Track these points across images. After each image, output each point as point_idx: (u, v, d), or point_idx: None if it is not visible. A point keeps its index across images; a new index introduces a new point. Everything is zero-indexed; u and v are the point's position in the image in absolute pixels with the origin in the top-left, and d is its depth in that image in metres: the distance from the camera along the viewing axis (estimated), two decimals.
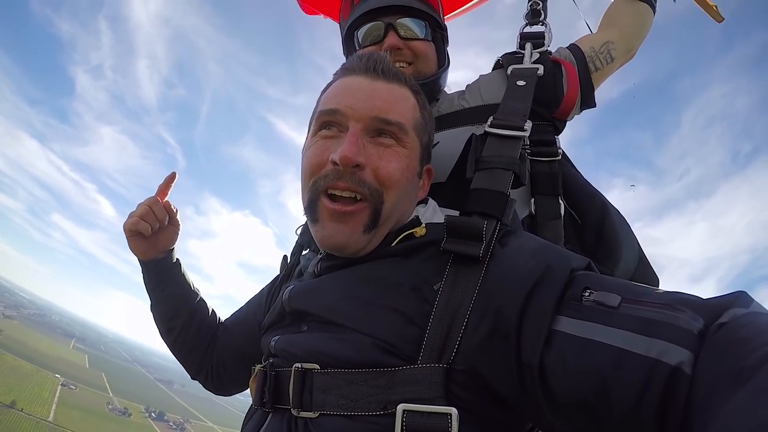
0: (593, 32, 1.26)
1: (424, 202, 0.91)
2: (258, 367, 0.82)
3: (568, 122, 1.12)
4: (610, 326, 0.55)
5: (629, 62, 1.27)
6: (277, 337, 0.81)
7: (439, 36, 1.19)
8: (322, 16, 2.00)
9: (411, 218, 0.85)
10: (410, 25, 1.12)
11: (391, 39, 1.10)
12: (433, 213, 0.88)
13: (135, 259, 1.17)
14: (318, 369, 0.71)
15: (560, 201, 1.00)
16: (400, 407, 0.62)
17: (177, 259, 1.20)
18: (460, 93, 1.17)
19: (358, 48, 1.17)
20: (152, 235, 1.11)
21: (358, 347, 0.69)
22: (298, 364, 0.72)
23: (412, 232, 0.80)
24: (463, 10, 2.01)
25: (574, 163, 1.14)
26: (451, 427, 0.59)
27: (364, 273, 0.78)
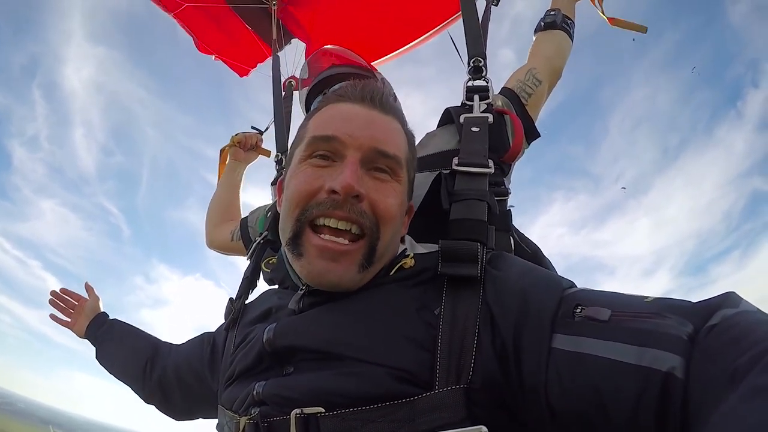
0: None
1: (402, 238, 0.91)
2: (244, 419, 0.72)
3: (518, 160, 1.19)
4: (601, 339, 0.55)
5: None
6: (263, 382, 0.73)
7: None
8: (214, 57, 2.03)
9: (400, 251, 0.84)
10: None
11: None
12: (412, 246, 0.87)
13: None
14: (323, 412, 0.64)
15: (510, 237, 1.03)
16: None
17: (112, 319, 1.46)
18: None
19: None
20: (77, 315, 1.47)
21: (371, 380, 0.64)
22: (297, 410, 0.65)
23: (402, 264, 0.78)
24: (394, 56, 2.07)
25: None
26: None
27: (362, 302, 0.74)
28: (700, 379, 0.47)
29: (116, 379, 1.35)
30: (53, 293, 1.54)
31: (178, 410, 1.23)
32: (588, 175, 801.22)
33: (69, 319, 1.50)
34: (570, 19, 1.42)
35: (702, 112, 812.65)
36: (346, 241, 0.73)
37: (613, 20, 1.56)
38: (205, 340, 1.11)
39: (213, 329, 1.15)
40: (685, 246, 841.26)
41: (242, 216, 1.61)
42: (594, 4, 1.56)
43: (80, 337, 1.46)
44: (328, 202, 0.72)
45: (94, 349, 1.41)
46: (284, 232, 0.79)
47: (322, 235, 0.73)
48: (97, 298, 1.52)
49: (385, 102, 0.82)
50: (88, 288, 1.54)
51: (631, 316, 0.56)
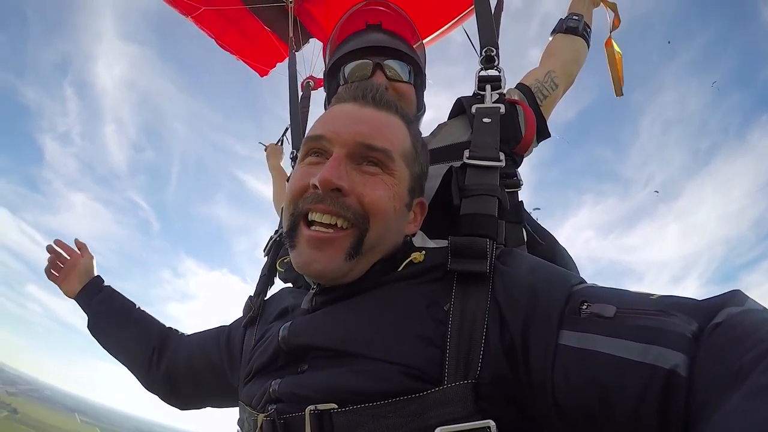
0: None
1: (412, 234, 0.91)
2: (261, 416, 0.74)
3: (526, 156, 1.19)
4: (606, 336, 0.56)
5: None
6: (279, 380, 0.75)
7: (419, 81, 1.29)
8: (236, 57, 2.05)
9: (404, 244, 0.85)
10: (396, 66, 1.21)
11: (378, 78, 1.18)
12: (423, 241, 0.88)
13: None
14: (336, 408, 0.66)
15: (522, 229, 1.04)
16: (438, 431, 0.60)
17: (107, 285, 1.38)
18: (427, 137, 1.22)
19: (342, 83, 1.24)
20: (68, 271, 1.38)
21: (382, 377, 0.66)
22: (311, 407, 0.67)
23: (411, 259, 0.79)
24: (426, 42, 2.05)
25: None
26: None
27: (373, 300, 0.76)
28: (703, 377, 0.47)
29: (110, 354, 1.30)
30: (49, 247, 1.43)
31: (186, 401, 1.22)
32: (617, 179, 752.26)
33: (57, 274, 1.40)
34: (590, 27, 1.42)
35: (734, 116, 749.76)
36: (332, 231, 0.75)
37: (610, 44, 1.54)
38: (220, 336, 1.11)
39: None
40: (714, 253, 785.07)
41: None
42: (606, 10, 1.55)
43: (69, 297, 1.37)
44: (311, 197, 0.75)
45: (86, 315, 1.33)
46: (284, 227, 0.82)
47: (312, 227, 0.75)
48: (92, 257, 1.42)
49: (379, 99, 0.83)
50: (80, 245, 1.43)
51: (636, 313, 0.57)
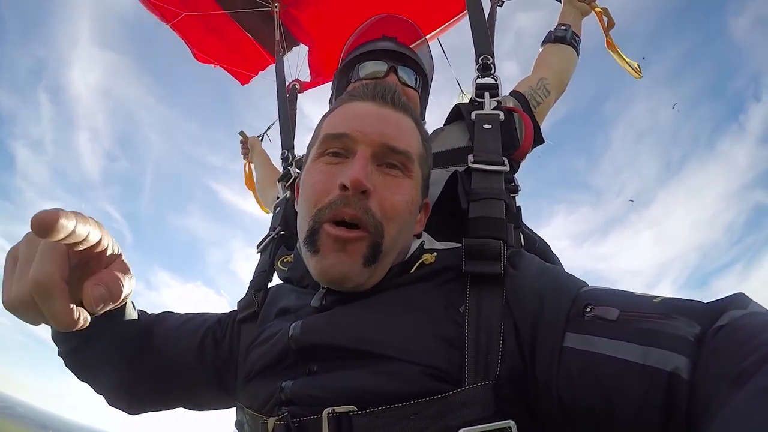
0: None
1: (418, 235, 0.90)
2: (272, 420, 0.71)
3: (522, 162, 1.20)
4: (609, 338, 0.57)
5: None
6: (290, 381, 0.72)
7: (424, 95, 1.37)
8: (214, 65, 2.01)
9: (416, 247, 0.84)
10: (407, 73, 1.28)
11: (392, 79, 1.24)
12: (431, 243, 0.88)
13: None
14: (356, 410, 0.64)
15: (520, 233, 1.05)
16: None
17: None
18: None
19: (354, 80, 1.29)
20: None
21: (405, 378, 0.65)
22: (329, 409, 0.65)
23: (422, 260, 0.79)
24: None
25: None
26: None
27: (389, 299, 0.75)
28: (705, 380, 0.47)
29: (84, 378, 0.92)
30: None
31: (146, 403, 1.01)
32: (590, 189, 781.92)
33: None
34: (578, 36, 1.47)
35: (704, 126, 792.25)
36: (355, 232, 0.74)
37: (611, 44, 1.58)
38: (213, 325, 0.99)
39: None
40: (687, 259, 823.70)
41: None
42: (601, 20, 1.58)
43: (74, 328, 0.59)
44: (339, 201, 0.73)
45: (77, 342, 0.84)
46: (301, 231, 0.79)
47: (338, 227, 0.74)
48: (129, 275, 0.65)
49: (396, 99, 0.83)
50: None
51: (639, 317, 0.57)
